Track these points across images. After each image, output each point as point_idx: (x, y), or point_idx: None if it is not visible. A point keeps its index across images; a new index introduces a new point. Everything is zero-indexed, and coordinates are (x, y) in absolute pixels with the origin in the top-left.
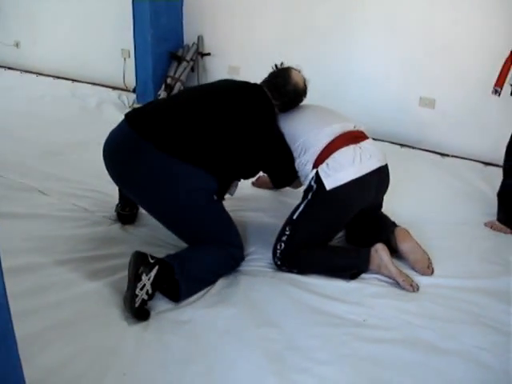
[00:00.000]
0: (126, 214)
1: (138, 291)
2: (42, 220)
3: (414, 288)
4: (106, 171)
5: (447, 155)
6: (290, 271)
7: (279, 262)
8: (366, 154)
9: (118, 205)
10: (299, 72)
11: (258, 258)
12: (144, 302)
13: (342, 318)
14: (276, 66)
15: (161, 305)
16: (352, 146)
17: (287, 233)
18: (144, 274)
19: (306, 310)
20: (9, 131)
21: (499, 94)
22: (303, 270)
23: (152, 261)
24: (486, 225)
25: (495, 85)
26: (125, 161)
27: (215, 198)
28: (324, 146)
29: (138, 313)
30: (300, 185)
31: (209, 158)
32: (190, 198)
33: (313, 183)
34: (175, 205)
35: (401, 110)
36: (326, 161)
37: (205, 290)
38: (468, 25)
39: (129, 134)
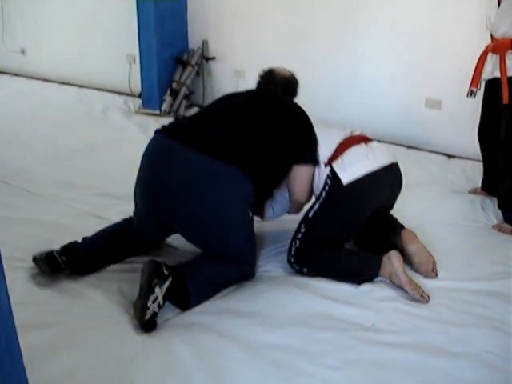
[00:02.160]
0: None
1: (150, 304)
2: (48, 227)
3: (425, 298)
4: (138, 188)
5: (454, 156)
6: (301, 270)
7: (292, 260)
8: (377, 151)
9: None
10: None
11: (265, 263)
12: (155, 314)
13: (350, 322)
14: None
15: (167, 311)
16: (363, 144)
17: (302, 230)
18: (158, 287)
19: (314, 314)
20: (15, 137)
21: (475, 96)
22: (313, 270)
23: (166, 272)
24: (493, 227)
25: (471, 85)
26: (163, 166)
27: (250, 214)
28: (337, 144)
29: (148, 325)
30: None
31: (246, 157)
32: (228, 199)
33: (328, 180)
34: (213, 205)
35: (407, 112)
36: (340, 157)
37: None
38: (474, 25)
39: (167, 143)
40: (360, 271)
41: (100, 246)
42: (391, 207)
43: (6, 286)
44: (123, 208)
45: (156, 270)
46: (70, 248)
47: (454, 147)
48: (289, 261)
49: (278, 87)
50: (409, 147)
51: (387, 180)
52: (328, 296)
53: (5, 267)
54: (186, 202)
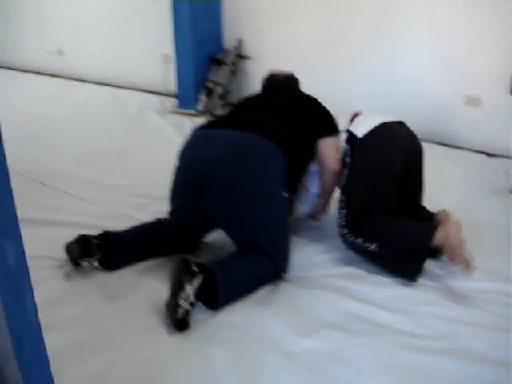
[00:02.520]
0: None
1: (181, 301)
2: (83, 228)
3: (471, 266)
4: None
5: (494, 155)
6: (355, 242)
7: (345, 231)
8: (387, 115)
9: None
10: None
11: (299, 265)
12: (187, 312)
13: (387, 326)
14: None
15: (201, 311)
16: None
17: (343, 199)
18: (188, 284)
19: (349, 318)
20: (51, 138)
21: None
22: (368, 237)
23: (196, 269)
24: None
25: None
26: (201, 148)
27: (285, 195)
28: (351, 115)
29: (181, 323)
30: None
31: (279, 135)
32: (266, 171)
33: (346, 146)
34: (251, 177)
35: (445, 110)
36: (354, 121)
37: (246, 298)
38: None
39: (204, 131)
40: (417, 232)
41: (135, 238)
42: (420, 178)
43: (33, 294)
44: (159, 208)
45: (185, 266)
46: (104, 235)
47: (494, 145)
48: (341, 234)
49: (281, 86)
50: (448, 146)
51: (402, 130)
52: (364, 299)
53: (40, 267)
54: (225, 176)
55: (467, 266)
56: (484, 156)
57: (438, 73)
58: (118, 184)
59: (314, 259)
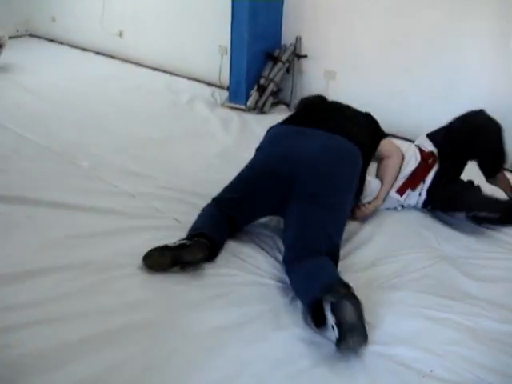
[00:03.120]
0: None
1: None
2: (108, 216)
3: None
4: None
5: None
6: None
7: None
8: None
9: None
10: None
11: None
12: None
13: (408, 366)
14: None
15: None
16: None
17: None
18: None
19: (369, 353)
20: (96, 121)
21: None
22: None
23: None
24: None
25: None
26: (302, 140)
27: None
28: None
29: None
30: None
31: (357, 140)
32: (352, 168)
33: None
34: (343, 170)
35: (508, 128)
36: None
37: None
38: None
39: (298, 128)
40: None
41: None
42: None
43: None
44: (190, 203)
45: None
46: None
47: None
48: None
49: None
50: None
51: None
52: (388, 331)
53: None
54: (324, 166)
55: None
56: None
57: (502, 88)
58: (149, 174)
59: None
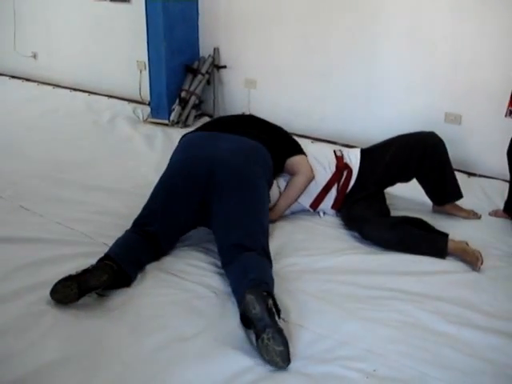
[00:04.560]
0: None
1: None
2: (34, 245)
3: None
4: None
5: (474, 174)
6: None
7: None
8: None
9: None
10: None
11: None
12: None
13: (349, 367)
14: None
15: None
16: None
17: None
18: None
19: (310, 359)
20: (15, 148)
21: None
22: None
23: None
24: (490, 214)
25: (509, 105)
26: (212, 143)
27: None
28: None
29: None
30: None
31: (267, 144)
32: (264, 166)
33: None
34: (255, 168)
35: (425, 126)
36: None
37: None
38: (496, 38)
39: (206, 132)
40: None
41: (134, 251)
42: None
43: None
44: (115, 229)
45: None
46: (106, 257)
47: (474, 165)
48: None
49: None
50: None
51: None
52: (327, 335)
53: None
54: (236, 165)
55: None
56: (464, 175)
57: (418, 87)
58: (78, 199)
59: None
